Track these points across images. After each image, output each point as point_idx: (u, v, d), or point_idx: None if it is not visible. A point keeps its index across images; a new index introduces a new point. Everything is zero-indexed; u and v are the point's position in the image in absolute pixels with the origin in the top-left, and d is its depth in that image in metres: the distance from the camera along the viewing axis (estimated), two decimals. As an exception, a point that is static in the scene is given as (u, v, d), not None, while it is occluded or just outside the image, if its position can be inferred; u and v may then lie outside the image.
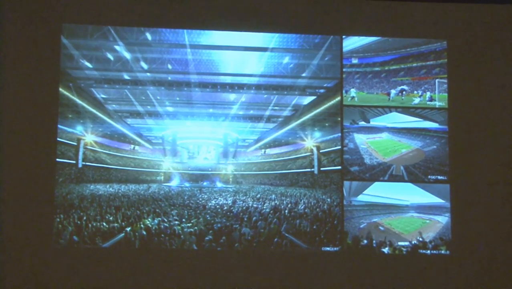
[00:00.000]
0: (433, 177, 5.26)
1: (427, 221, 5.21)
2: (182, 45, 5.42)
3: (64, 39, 5.26)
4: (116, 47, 5.36)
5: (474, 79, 5.33)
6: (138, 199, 5.42)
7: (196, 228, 5.16)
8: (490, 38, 5.33)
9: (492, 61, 5.33)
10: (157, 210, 5.29)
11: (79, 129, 5.38)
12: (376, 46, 5.42)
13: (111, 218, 5.17)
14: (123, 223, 5.14)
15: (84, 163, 5.40)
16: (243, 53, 5.45)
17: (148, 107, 5.63)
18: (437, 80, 5.39)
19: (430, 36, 5.35)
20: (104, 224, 5.10)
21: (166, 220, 5.19)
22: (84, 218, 5.15)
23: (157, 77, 5.48)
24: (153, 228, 5.12)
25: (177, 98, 5.61)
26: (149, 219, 5.18)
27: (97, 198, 5.31)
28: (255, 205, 5.40)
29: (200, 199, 5.58)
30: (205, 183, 5.80)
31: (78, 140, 5.38)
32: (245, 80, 5.55)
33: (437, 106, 5.37)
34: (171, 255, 5.00)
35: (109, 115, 5.55)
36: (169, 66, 5.49)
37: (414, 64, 5.43)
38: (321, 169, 5.57)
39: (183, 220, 5.22)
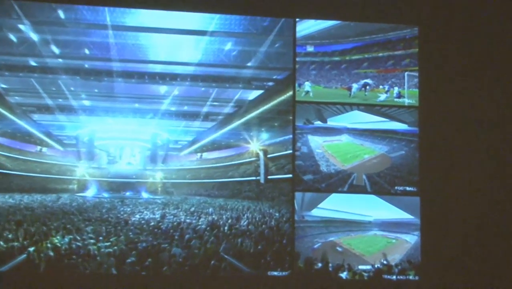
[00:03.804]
0: (401, 188, 5.34)
1: (393, 241, 5.31)
2: (102, 26, 5.44)
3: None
4: (21, 26, 5.37)
5: (450, 72, 5.46)
6: (44, 212, 5.42)
7: (116, 247, 5.15)
8: (467, 25, 5.49)
9: (470, 51, 5.49)
10: (68, 226, 5.26)
11: (-29, 126, 5.39)
12: (336, 32, 5.50)
13: (10, 236, 5.09)
14: (25, 242, 5.07)
15: (-24, 168, 5.39)
16: (177, 37, 5.54)
17: (60, 100, 5.63)
18: (406, 73, 5.48)
19: (399, 21, 5.50)
20: (1, 243, 5.02)
21: (79, 238, 5.20)
22: (-25, 235, 5.06)
23: (72, 64, 5.54)
24: (63, 247, 5.08)
25: (96, 90, 5.64)
26: (58, 237, 5.15)
27: (-7, 211, 5.25)
28: (188, 220, 5.47)
29: (122, 213, 5.62)
30: (128, 193, 5.83)
31: (-30, 140, 5.39)
32: (178, 69, 5.62)
33: (406, 104, 5.47)
34: (84, 281, 4.96)
35: (10, 109, 5.51)
36: (87, 51, 5.56)
37: (380, 54, 5.52)
38: (269, 177, 5.63)
39: (100, 238, 5.24)
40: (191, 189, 5.84)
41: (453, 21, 5.51)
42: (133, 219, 5.49)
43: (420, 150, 5.39)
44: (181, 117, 5.79)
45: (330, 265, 5.20)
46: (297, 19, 5.45)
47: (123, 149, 6.03)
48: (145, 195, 5.78)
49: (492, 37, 5.53)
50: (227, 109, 5.83)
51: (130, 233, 5.30)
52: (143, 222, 5.43)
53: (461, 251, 5.25)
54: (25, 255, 4.97)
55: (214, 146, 5.90)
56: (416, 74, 5.47)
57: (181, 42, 5.54)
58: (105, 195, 5.73)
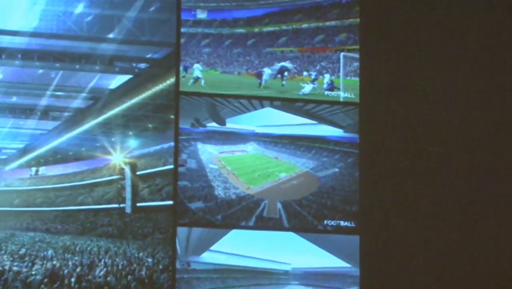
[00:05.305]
0: (333, 223, 4.84)
1: (321, 300, 4.84)
2: None
3: None
4: None
5: (405, 54, 5.04)
6: None
7: None
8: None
9: (433, 24, 5.06)
10: None
11: None
12: (240, -9, 5.03)
13: None
14: None
15: None
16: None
17: None
18: (342, 54, 5.02)
19: (333, -23, 5.08)
20: None
21: None
22: None
23: None
24: None
25: None
26: None
27: None
28: (16, 268, 4.83)
29: None
30: None
31: None
32: (4, 41, 5.05)
33: (342, 99, 4.98)
34: None
35: None
36: None
37: (305, 26, 5.08)
38: (138, 204, 5.19)
39: None
40: (21, 220, 5.42)
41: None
42: None
43: (361, 167, 4.90)
44: (7, 113, 5.26)
45: (227, 335, 4.76)
46: (183, -29, 4.86)
47: None
48: None
49: (459, 3, 5.01)
50: (77, 103, 5.28)
51: None
52: None
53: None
54: None
55: (56, 157, 5.54)
56: (357, 55, 4.95)
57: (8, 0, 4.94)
58: None
